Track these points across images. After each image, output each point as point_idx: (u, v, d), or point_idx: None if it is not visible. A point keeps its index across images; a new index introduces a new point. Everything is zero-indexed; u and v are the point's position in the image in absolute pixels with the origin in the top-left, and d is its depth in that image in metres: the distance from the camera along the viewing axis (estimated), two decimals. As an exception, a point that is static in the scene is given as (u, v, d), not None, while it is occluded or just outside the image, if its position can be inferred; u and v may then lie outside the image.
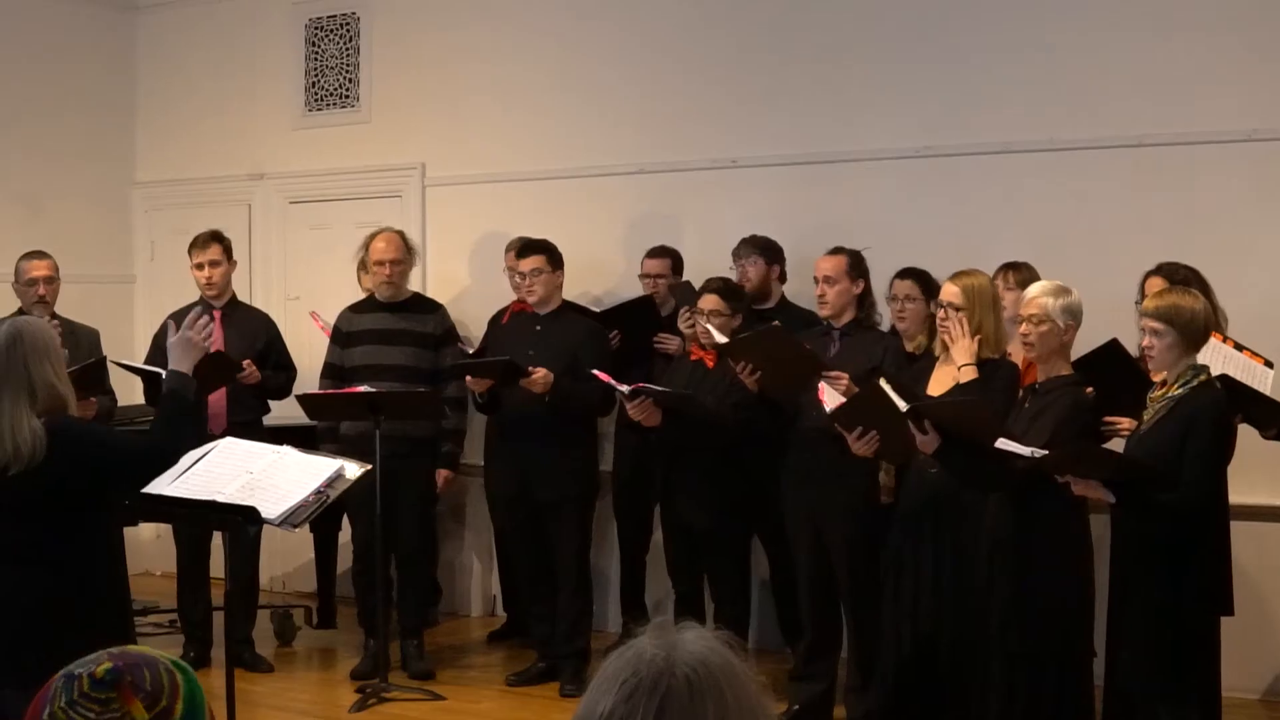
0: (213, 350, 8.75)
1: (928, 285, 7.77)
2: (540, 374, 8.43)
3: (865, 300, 7.82)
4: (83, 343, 8.99)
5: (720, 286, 8.28)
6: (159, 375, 8.63)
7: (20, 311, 8.96)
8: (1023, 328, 6.53)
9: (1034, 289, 6.65)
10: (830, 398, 7.07)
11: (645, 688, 2.02)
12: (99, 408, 8.56)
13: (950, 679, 6.81)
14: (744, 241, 8.94)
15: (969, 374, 6.81)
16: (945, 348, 7.00)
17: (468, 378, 8.65)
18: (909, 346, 7.71)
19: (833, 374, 7.31)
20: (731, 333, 7.91)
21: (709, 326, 7.89)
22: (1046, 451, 6.04)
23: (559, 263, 8.81)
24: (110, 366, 8.86)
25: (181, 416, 5.58)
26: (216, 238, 9.37)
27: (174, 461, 5.78)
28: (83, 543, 5.34)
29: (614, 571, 9.79)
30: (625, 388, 8.02)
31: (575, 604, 8.78)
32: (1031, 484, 6.22)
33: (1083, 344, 6.85)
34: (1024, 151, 8.81)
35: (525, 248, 8.94)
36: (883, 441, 6.80)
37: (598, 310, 9.28)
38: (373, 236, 9.33)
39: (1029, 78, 8.83)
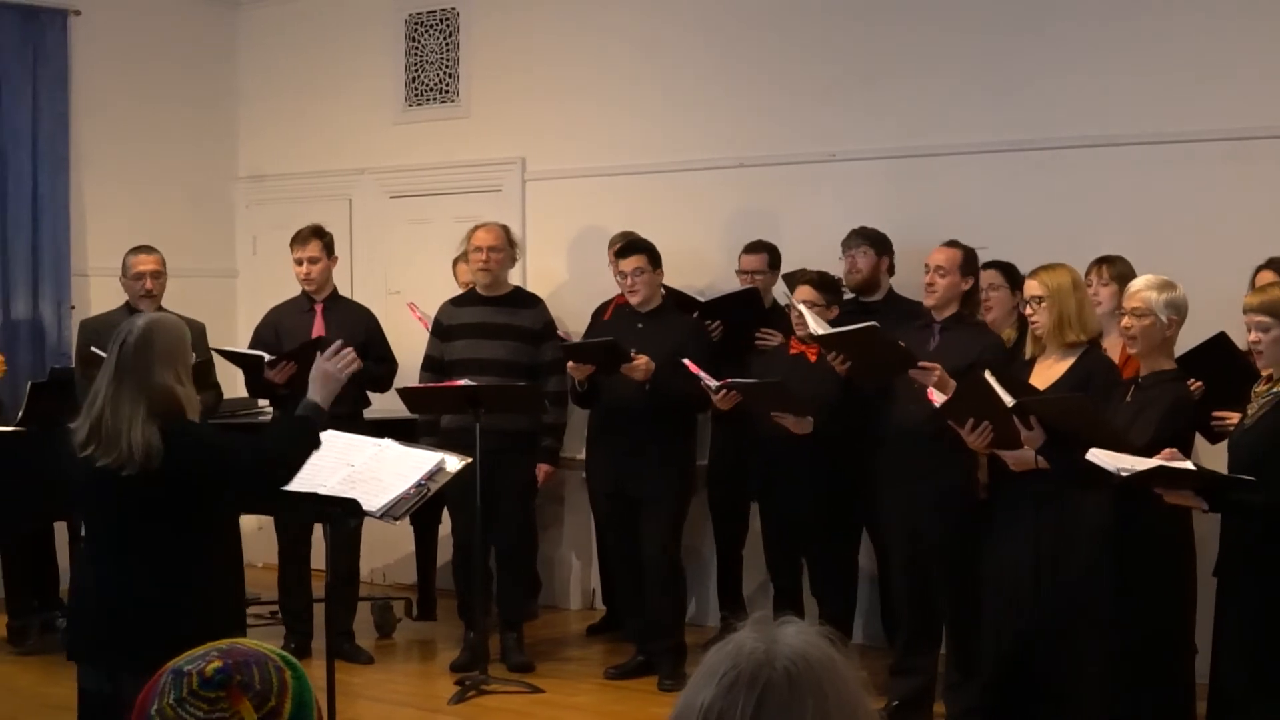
0: (317, 337, 8.87)
1: (1012, 275, 7.83)
2: (642, 361, 8.44)
3: (971, 298, 7.80)
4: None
5: (815, 278, 8.32)
6: (260, 360, 8.75)
7: (127, 304, 9.05)
8: (1125, 320, 6.49)
9: (1138, 283, 6.60)
10: (939, 395, 7.04)
11: (745, 681, 2.03)
12: (203, 404, 8.63)
13: (1050, 675, 6.77)
14: (854, 233, 8.90)
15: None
16: (1039, 343, 6.96)
17: (570, 363, 8.68)
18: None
19: (925, 364, 7.29)
20: (829, 323, 7.91)
21: (807, 314, 7.88)
22: (1136, 469, 5.95)
23: (659, 261, 8.82)
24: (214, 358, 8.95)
25: (306, 441, 5.62)
26: (318, 233, 9.43)
27: (288, 479, 5.82)
28: (198, 537, 5.36)
29: (712, 566, 9.78)
30: (714, 382, 8.04)
31: (665, 601, 8.77)
32: (1124, 487, 6.16)
33: (1187, 340, 6.80)
34: (1125, 144, 8.72)
35: (626, 248, 8.95)
36: (995, 432, 6.74)
37: (702, 300, 9.26)
38: (475, 228, 9.35)
39: (1130, 70, 8.74)
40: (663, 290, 8.98)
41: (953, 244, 7.79)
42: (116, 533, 5.39)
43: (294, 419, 5.65)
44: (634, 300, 8.82)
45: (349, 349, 5.81)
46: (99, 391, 5.29)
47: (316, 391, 5.64)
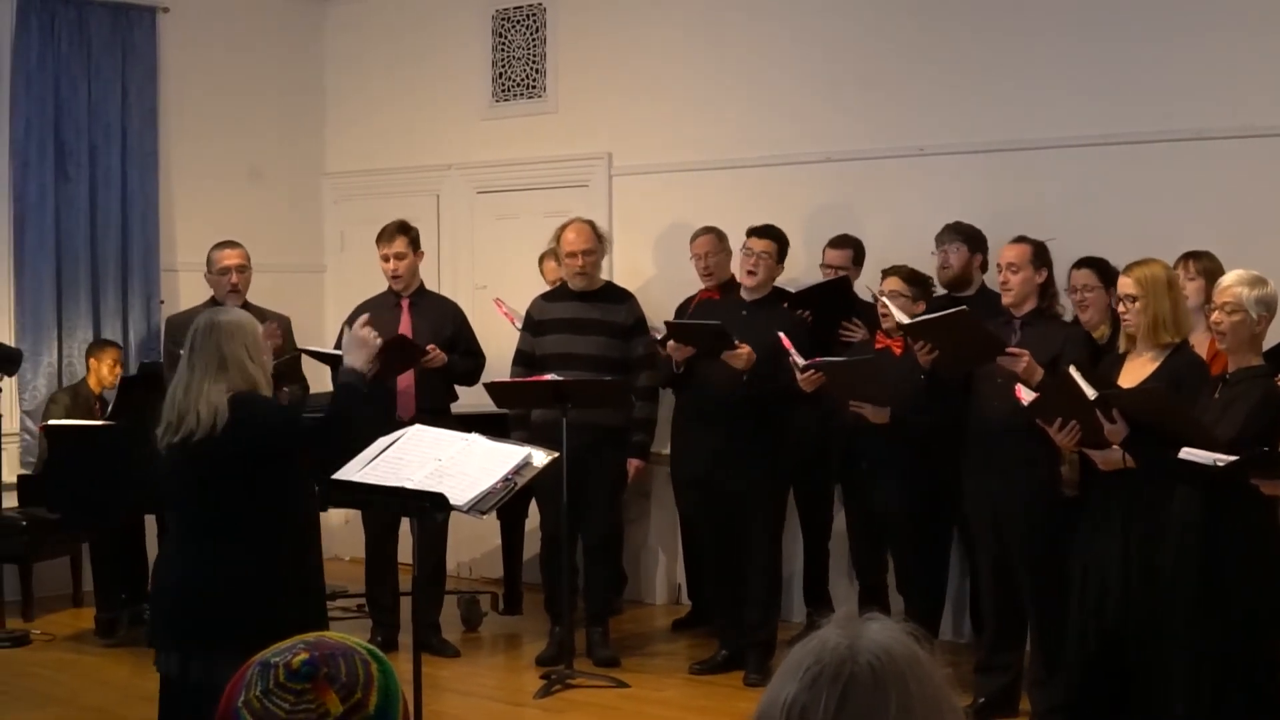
0: (399, 334, 8.90)
1: (1106, 273, 7.75)
2: (746, 350, 8.41)
3: (1048, 290, 7.73)
4: (274, 330, 9.12)
5: (905, 271, 8.28)
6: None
7: (213, 299, 9.10)
8: (1215, 316, 6.44)
9: (1229, 278, 6.54)
10: (1027, 394, 7.00)
11: (828, 675, 2.02)
12: (290, 398, 8.67)
13: (1137, 673, 6.72)
14: (947, 228, 8.83)
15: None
16: (1131, 340, 6.91)
17: (670, 343, 8.68)
18: (1094, 336, 7.67)
19: (1013, 350, 7.24)
20: (914, 317, 7.87)
21: (891, 305, 7.85)
22: (1232, 458, 5.91)
23: (785, 255, 8.83)
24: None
25: (354, 398, 5.85)
26: (403, 229, 9.43)
27: (348, 431, 5.96)
28: (272, 519, 5.47)
29: (797, 561, 9.75)
30: (802, 360, 8.01)
31: (763, 594, 8.74)
32: (1221, 478, 6.11)
33: (1269, 336, 6.73)
34: (1216, 138, 8.65)
35: (761, 230, 8.84)
36: (1083, 430, 6.70)
37: (792, 291, 9.21)
38: (563, 227, 9.31)
39: (1221, 65, 8.66)
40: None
41: (1021, 239, 7.73)
42: (190, 511, 5.55)
43: (339, 387, 5.98)
44: (749, 282, 8.74)
45: (365, 319, 6.12)
46: (176, 385, 5.51)
47: (354, 359, 5.97)
